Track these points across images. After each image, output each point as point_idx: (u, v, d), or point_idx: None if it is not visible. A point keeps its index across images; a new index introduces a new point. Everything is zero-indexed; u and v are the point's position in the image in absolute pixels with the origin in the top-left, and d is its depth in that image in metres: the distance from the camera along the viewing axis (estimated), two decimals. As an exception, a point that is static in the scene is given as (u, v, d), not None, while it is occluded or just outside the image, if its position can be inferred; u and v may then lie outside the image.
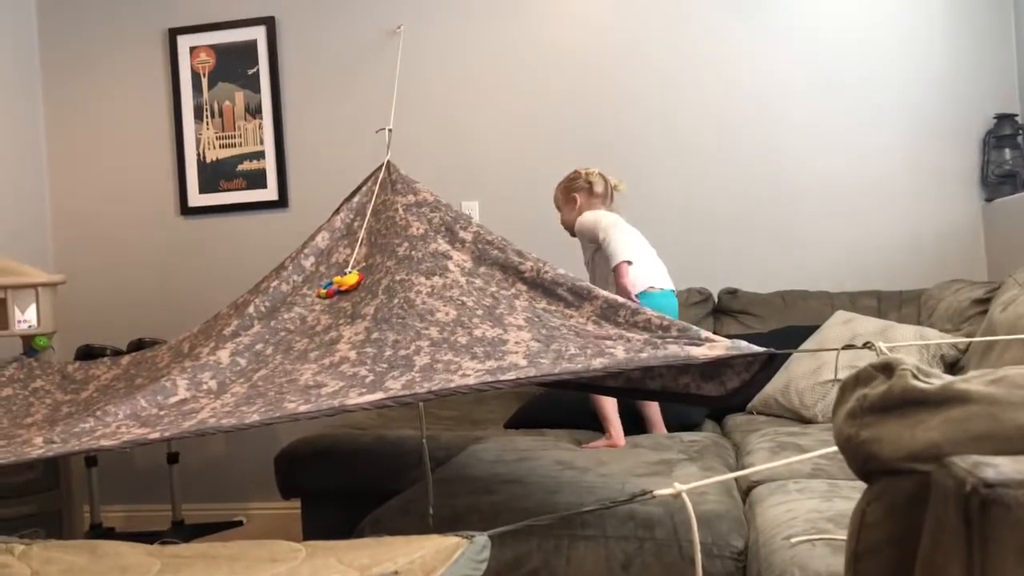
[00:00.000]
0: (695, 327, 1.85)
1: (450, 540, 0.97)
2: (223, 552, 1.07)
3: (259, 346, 2.19)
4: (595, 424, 2.77)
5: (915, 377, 0.71)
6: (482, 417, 3.11)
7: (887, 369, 0.74)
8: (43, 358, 2.77)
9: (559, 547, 1.80)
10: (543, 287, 2.16)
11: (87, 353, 3.17)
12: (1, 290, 2.93)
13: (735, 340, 1.78)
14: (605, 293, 2.05)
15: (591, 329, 1.99)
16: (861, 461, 0.72)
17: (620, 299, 2.02)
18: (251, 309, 2.29)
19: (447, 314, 2.06)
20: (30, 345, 2.96)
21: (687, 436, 2.50)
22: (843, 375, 2.49)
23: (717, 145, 3.53)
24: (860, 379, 0.76)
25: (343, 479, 2.71)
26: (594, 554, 1.78)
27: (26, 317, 2.95)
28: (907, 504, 0.68)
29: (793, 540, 1.58)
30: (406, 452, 2.73)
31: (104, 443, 1.72)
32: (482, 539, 0.96)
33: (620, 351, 1.80)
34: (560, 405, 2.86)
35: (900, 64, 3.43)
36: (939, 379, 0.70)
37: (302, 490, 2.80)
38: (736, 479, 2.16)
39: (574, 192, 2.95)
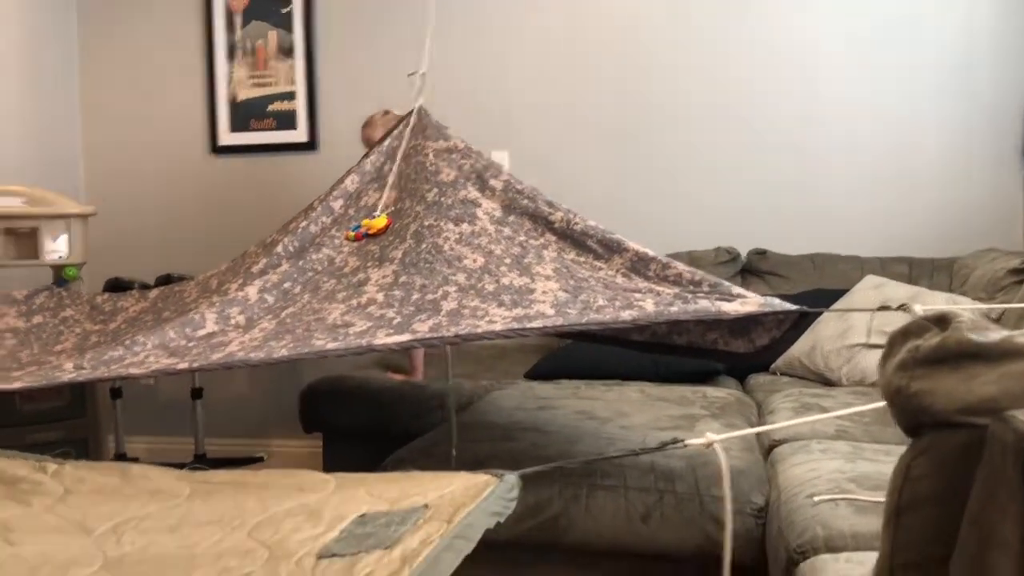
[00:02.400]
0: (726, 283, 1.83)
1: (480, 477, 0.97)
2: (252, 480, 1.08)
3: (287, 284, 2.19)
4: (618, 376, 2.77)
5: (971, 330, 0.69)
6: (504, 367, 3.11)
7: (941, 321, 0.72)
8: (72, 288, 2.79)
9: (579, 495, 1.80)
10: (572, 238, 2.14)
11: (115, 286, 3.20)
12: (33, 220, 2.94)
13: (767, 297, 1.76)
14: (636, 246, 2.03)
15: (620, 282, 1.97)
16: (910, 414, 0.71)
17: (651, 252, 2.00)
18: (279, 248, 2.29)
19: (475, 261, 2.05)
20: (60, 275, 2.98)
21: (710, 392, 2.50)
22: (873, 340, 2.47)
23: (752, 105, 3.46)
24: (911, 331, 0.74)
25: (366, 418, 2.73)
26: (614, 504, 1.79)
27: (57, 247, 2.97)
28: (957, 458, 0.67)
29: (816, 499, 1.57)
30: (428, 396, 2.74)
31: (133, 371, 1.73)
32: (512, 478, 0.96)
33: (649, 304, 1.78)
34: (581, 357, 2.85)
35: (940, 29, 3.33)
36: (996, 333, 0.68)
37: (325, 426, 2.82)
38: (758, 437, 2.16)
39: None
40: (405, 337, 1.74)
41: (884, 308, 1.60)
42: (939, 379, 0.69)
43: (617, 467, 1.85)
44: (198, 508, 1.00)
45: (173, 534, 0.95)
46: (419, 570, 0.73)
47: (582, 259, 2.08)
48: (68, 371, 1.80)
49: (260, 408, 3.84)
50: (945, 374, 0.69)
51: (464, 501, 0.89)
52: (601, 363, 2.82)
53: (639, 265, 1.98)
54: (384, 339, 1.74)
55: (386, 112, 3.22)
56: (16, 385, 1.74)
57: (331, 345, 1.74)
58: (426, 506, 0.91)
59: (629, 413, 2.24)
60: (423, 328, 1.79)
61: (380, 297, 1.98)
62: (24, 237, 2.98)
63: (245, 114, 3.77)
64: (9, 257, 2.97)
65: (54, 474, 1.17)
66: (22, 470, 1.19)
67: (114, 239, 3.88)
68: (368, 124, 3.23)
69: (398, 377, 3.01)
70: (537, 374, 2.89)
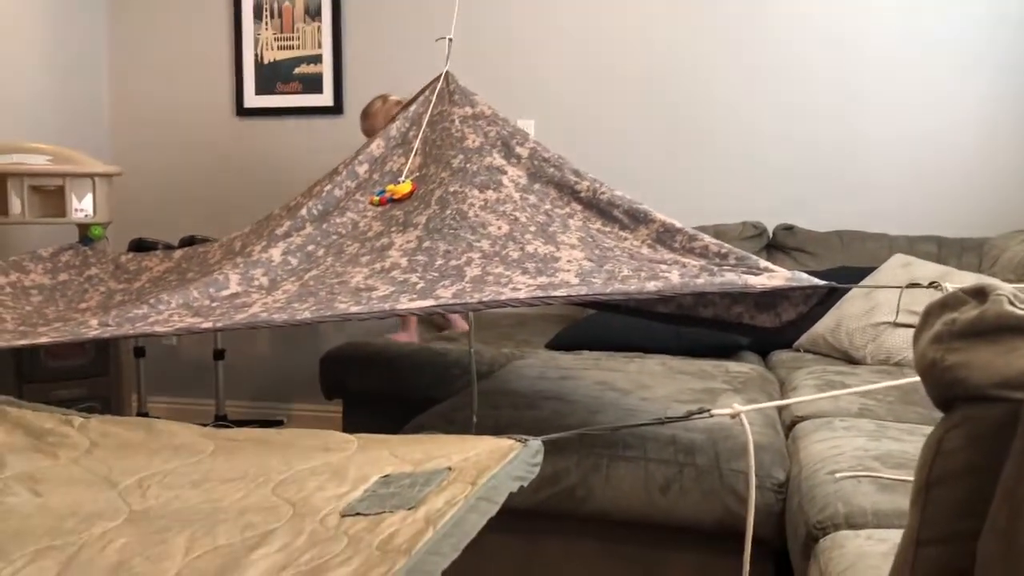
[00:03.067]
0: (754, 256, 1.81)
1: (504, 442, 0.97)
2: (276, 439, 1.08)
3: (311, 247, 2.19)
4: (640, 349, 2.76)
5: (1011, 303, 0.68)
6: (524, 337, 3.11)
7: (980, 294, 0.70)
8: (97, 248, 2.80)
9: (598, 465, 1.80)
10: (598, 208, 2.12)
11: (139, 246, 3.22)
12: (60, 177, 2.96)
13: (794, 271, 1.74)
14: (662, 217, 2.01)
15: (646, 252, 1.96)
16: (945, 386, 0.70)
17: (677, 224, 1.98)
18: (303, 211, 2.28)
19: (499, 228, 2.04)
20: (85, 234, 3.00)
21: (733, 367, 2.48)
22: (901, 319, 2.44)
23: (784, 79, 3.41)
24: (948, 304, 0.72)
25: (386, 384, 2.74)
26: (633, 475, 1.78)
27: (83, 206, 2.99)
28: (992, 432, 0.66)
29: (838, 475, 1.56)
30: (449, 363, 2.74)
31: (158, 329, 1.74)
32: (536, 443, 0.96)
33: (675, 276, 1.77)
34: (603, 328, 2.84)
35: (976, 4, 3.26)
36: (1039, 307, 0.66)
37: (345, 392, 2.84)
38: (780, 413, 2.15)
39: None
40: (428, 302, 1.74)
41: (914, 285, 1.58)
42: (976, 352, 0.67)
43: (638, 438, 1.84)
44: (222, 464, 1.01)
45: (197, 489, 0.96)
46: (444, 530, 0.73)
47: (608, 229, 2.07)
48: (93, 327, 1.81)
49: (281, 372, 3.87)
50: (983, 347, 0.67)
51: (488, 465, 0.89)
52: (623, 335, 2.81)
53: (665, 236, 1.96)
54: (407, 304, 1.74)
55: (385, 99, 3.19)
56: (43, 340, 1.75)
57: (354, 308, 1.74)
58: (450, 468, 0.90)
59: (650, 385, 2.23)
60: (446, 294, 1.78)
61: (404, 262, 1.98)
62: (50, 195, 3.00)
63: (271, 76, 3.76)
64: (35, 215, 2.99)
65: (80, 428, 1.18)
66: (49, 423, 1.21)
67: (139, 200, 3.90)
68: (368, 115, 3.19)
69: (402, 338, 3.04)
70: (558, 344, 2.89)
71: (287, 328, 3.79)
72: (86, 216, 2.99)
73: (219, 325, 1.72)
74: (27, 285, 2.54)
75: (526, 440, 0.96)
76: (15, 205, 2.95)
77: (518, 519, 1.82)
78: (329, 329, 3.74)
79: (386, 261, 2.01)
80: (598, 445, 1.82)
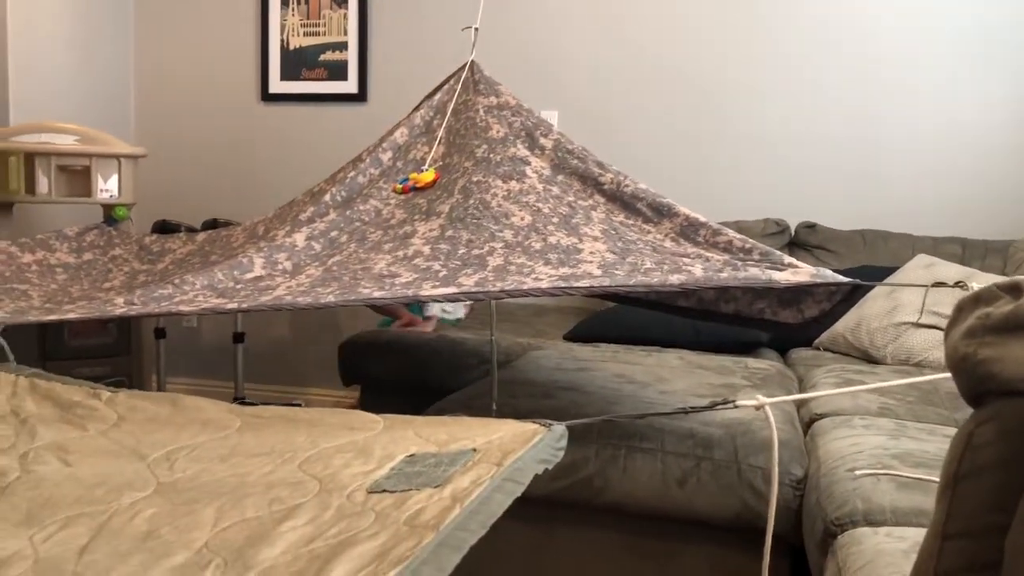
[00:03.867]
0: (777, 251, 1.81)
1: (528, 426, 0.97)
2: (302, 416, 1.09)
3: (334, 233, 2.20)
4: (658, 343, 2.76)
5: (1047, 299, 0.67)
6: (542, 328, 3.11)
7: (1014, 289, 0.70)
8: (122, 228, 2.83)
9: (616, 457, 1.81)
10: (622, 200, 2.13)
11: (163, 228, 3.24)
12: (86, 158, 2.99)
13: (819, 268, 1.73)
14: (686, 211, 2.01)
15: (669, 246, 1.96)
16: (976, 381, 0.69)
17: (701, 218, 1.98)
18: (327, 197, 2.30)
19: (522, 219, 2.04)
20: (110, 214, 3.03)
21: (752, 363, 2.48)
22: (924, 319, 2.43)
23: (807, 76, 3.39)
24: (982, 298, 0.72)
25: (403, 371, 2.76)
26: (650, 467, 1.79)
27: (108, 186, 3.01)
28: (1023, 427, 0.66)
29: (857, 472, 1.56)
30: (466, 352, 2.75)
31: (183, 308, 1.76)
32: (560, 428, 0.96)
33: (698, 269, 1.77)
34: (622, 321, 2.84)
35: (1001, 4, 3.23)
36: (1075, 302, 0.66)
37: (363, 378, 2.85)
38: (798, 410, 2.14)
39: None
40: (450, 290, 1.75)
41: (940, 284, 1.57)
42: (1009, 347, 0.67)
43: (656, 431, 1.84)
44: (249, 440, 1.02)
45: (224, 463, 0.97)
46: (471, 507, 0.74)
47: (631, 222, 2.07)
48: (119, 305, 1.83)
49: (300, 357, 3.89)
50: (1016, 342, 0.67)
51: (513, 447, 0.90)
52: (641, 328, 2.81)
53: (689, 230, 1.96)
54: (430, 290, 1.75)
55: None
56: (70, 316, 1.77)
57: (377, 293, 1.75)
58: (474, 450, 0.91)
59: (668, 379, 2.23)
60: (468, 282, 1.79)
61: (426, 250, 1.99)
62: (77, 175, 3.03)
63: (296, 62, 3.78)
64: (61, 194, 3.02)
65: (108, 401, 1.20)
66: (77, 395, 1.22)
67: (163, 182, 3.93)
68: None
69: (424, 327, 3.06)
70: (576, 336, 2.89)
71: (307, 313, 3.81)
72: (111, 197, 3.02)
73: (244, 306, 1.73)
74: (52, 263, 2.56)
75: (550, 425, 0.97)
76: (42, 184, 2.98)
77: (535, 507, 1.82)
78: (347, 316, 3.76)
79: (409, 249, 2.02)
80: (616, 436, 1.83)
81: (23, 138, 2.99)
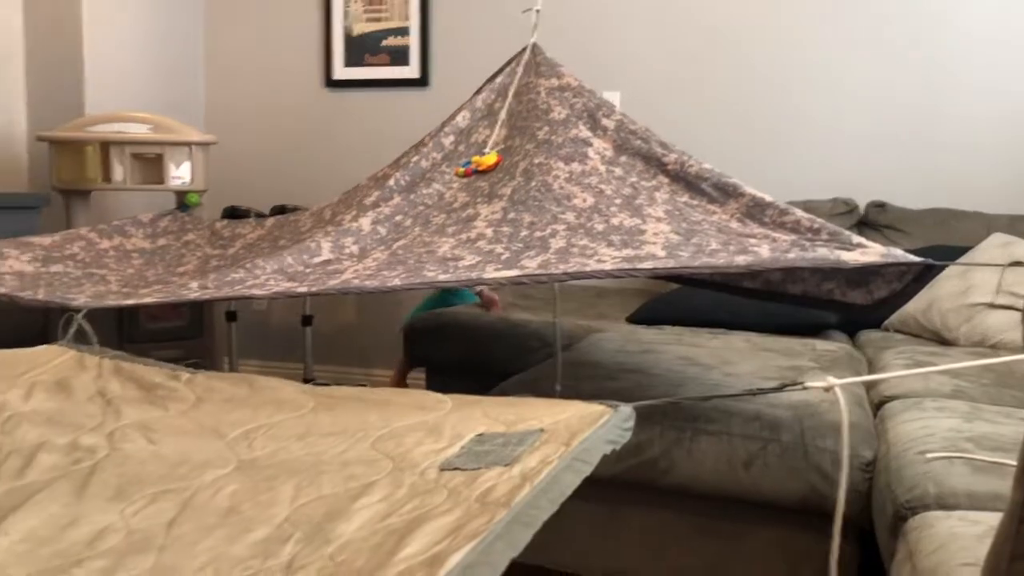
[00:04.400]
0: (846, 231, 1.77)
1: (595, 407, 0.98)
2: (372, 397, 1.12)
3: (398, 217, 2.23)
4: (723, 325, 2.74)
5: None
6: (603, 310, 3.11)
7: (1098, 268, 0.69)
8: (194, 214, 2.91)
9: (681, 439, 1.80)
10: (686, 181, 2.11)
11: (232, 213, 3.32)
12: (159, 146, 3.07)
13: (889, 248, 1.70)
14: (752, 191, 1.98)
15: (735, 227, 1.94)
16: (1057, 361, 0.68)
17: (768, 198, 1.95)
18: (391, 182, 2.32)
19: (584, 200, 2.04)
20: (182, 201, 3.12)
21: (820, 345, 2.44)
22: (999, 300, 2.36)
23: (877, 50, 3.31)
24: (1063, 277, 0.71)
25: (466, 354, 2.79)
26: (716, 449, 1.78)
27: (180, 173, 3.10)
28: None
29: (929, 455, 1.53)
30: (528, 335, 2.77)
31: (256, 292, 1.80)
32: (627, 409, 0.97)
33: (765, 250, 1.75)
34: (685, 303, 2.83)
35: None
36: None
37: (427, 360, 2.89)
38: (868, 393, 2.11)
39: None
40: (514, 272, 1.76)
41: (1018, 264, 1.53)
42: (1094, 327, 0.65)
43: (722, 413, 1.83)
44: (323, 419, 1.05)
45: (300, 442, 1.00)
46: (541, 485, 0.75)
47: (695, 202, 2.05)
48: (194, 289, 1.88)
49: (366, 338, 3.95)
50: (1101, 322, 0.65)
51: (580, 428, 0.91)
52: (705, 311, 2.79)
53: (755, 211, 1.94)
54: (493, 273, 1.77)
55: None
56: (147, 300, 1.84)
57: (442, 276, 1.78)
58: (542, 430, 0.92)
59: (734, 361, 2.22)
60: (531, 264, 1.80)
61: (489, 232, 2.00)
62: (150, 163, 3.12)
63: (359, 48, 3.82)
64: (135, 181, 3.12)
65: (187, 382, 1.24)
66: (158, 377, 1.27)
67: (232, 169, 4.02)
68: None
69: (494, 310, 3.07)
70: (639, 318, 2.88)
71: (373, 296, 3.87)
72: (183, 184, 3.11)
73: (314, 290, 1.77)
74: (128, 249, 2.65)
75: (616, 406, 0.97)
76: (117, 172, 3.08)
77: (600, 487, 1.83)
78: (413, 298, 3.81)
79: (472, 232, 2.04)
80: (681, 418, 1.82)
81: (99, 128, 3.09)
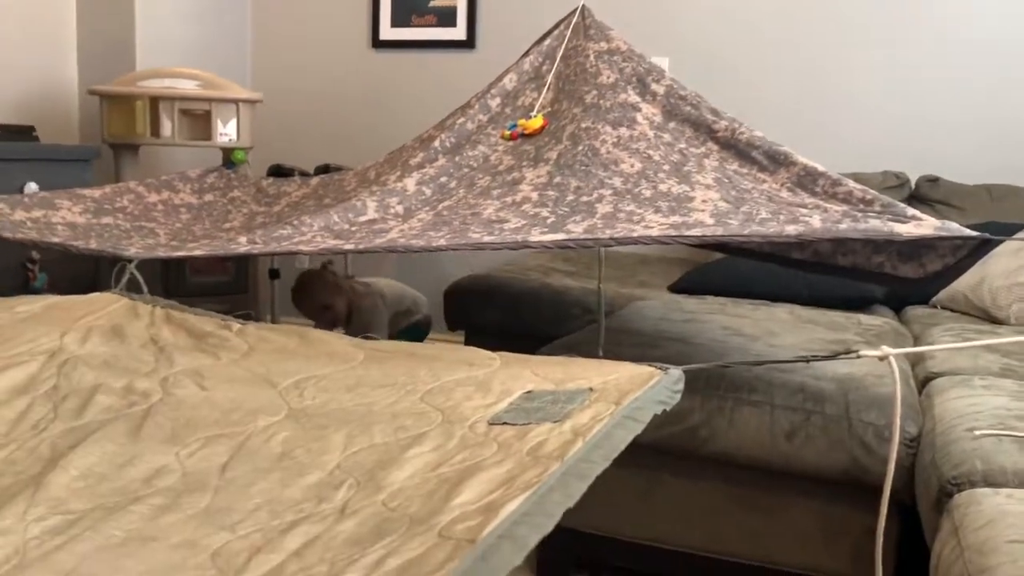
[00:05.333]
0: (900, 203, 1.74)
1: (644, 368, 0.98)
2: (422, 351, 1.13)
3: (443, 179, 2.23)
4: (767, 296, 2.71)
5: None
6: (646, 278, 3.09)
7: None
8: (240, 171, 2.93)
9: (723, 408, 1.79)
10: (736, 148, 2.08)
11: (277, 171, 3.34)
12: (207, 102, 3.09)
13: (944, 220, 1.66)
14: (804, 160, 1.95)
15: (785, 196, 1.91)
16: None
17: (820, 167, 1.92)
18: (436, 144, 2.32)
19: (632, 166, 2.02)
20: (228, 158, 3.14)
21: (865, 319, 2.41)
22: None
23: (929, 19, 3.21)
24: None
25: (507, 318, 2.79)
26: (758, 420, 1.77)
27: (227, 131, 3.12)
28: None
29: (977, 432, 1.51)
30: (569, 302, 2.77)
31: (303, 248, 1.82)
32: (677, 372, 0.97)
33: (816, 220, 1.72)
34: (729, 274, 2.80)
35: None
36: None
37: (468, 324, 2.90)
38: (913, 369, 2.08)
39: None
40: (559, 236, 1.75)
41: (1079, 240, 1.49)
42: None
43: (764, 383, 1.82)
44: (373, 372, 1.06)
45: (351, 393, 1.01)
46: (594, 441, 0.75)
47: (745, 171, 2.02)
48: (242, 244, 1.90)
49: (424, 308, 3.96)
50: None
51: (631, 388, 0.90)
52: (749, 282, 2.76)
53: (806, 180, 1.90)
54: (539, 236, 1.76)
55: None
56: (197, 252, 1.86)
57: (487, 238, 1.77)
58: (591, 389, 0.92)
59: (778, 333, 2.19)
60: (577, 229, 1.79)
61: (534, 196, 1.99)
62: (198, 119, 3.15)
63: (406, 9, 3.80)
64: (183, 137, 3.14)
65: (238, 332, 1.26)
66: (209, 326, 1.29)
67: (278, 127, 4.03)
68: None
69: None
70: (682, 287, 2.86)
71: (414, 258, 3.89)
72: (230, 140, 3.13)
73: (360, 247, 1.78)
74: (176, 203, 2.68)
75: (666, 368, 0.97)
76: (166, 127, 3.11)
77: (637, 453, 1.82)
78: (453, 262, 3.82)
79: (517, 195, 2.03)
80: (723, 387, 1.81)
81: (148, 83, 3.11)
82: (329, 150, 3.86)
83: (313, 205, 2.51)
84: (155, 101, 3.08)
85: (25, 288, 2.78)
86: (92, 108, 3.28)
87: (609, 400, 0.87)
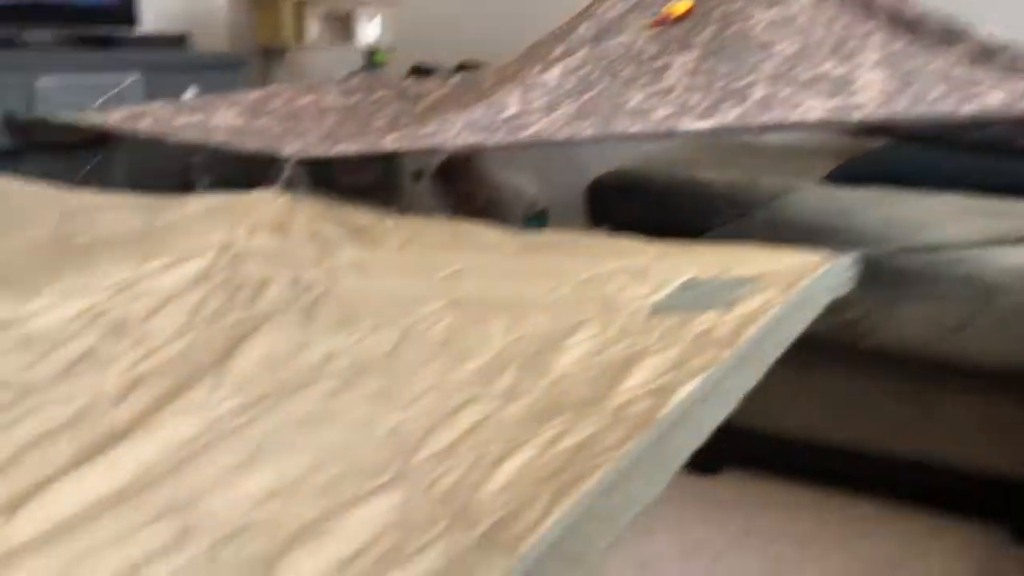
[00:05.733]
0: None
1: (811, 256, 0.94)
2: (576, 242, 1.12)
3: (585, 69, 2.17)
4: (934, 185, 2.53)
5: None
6: (797, 169, 2.95)
7: None
8: (381, 73, 2.96)
9: (884, 301, 1.71)
10: (904, 23, 1.92)
11: (417, 71, 3.35)
12: (348, 3, 3.11)
13: None
14: (981, 34, 1.78)
15: (960, 73, 1.75)
16: None
17: (1000, 40, 1.75)
18: (576, 34, 2.25)
19: (787, 48, 1.90)
20: (371, 59, 3.17)
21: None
22: None
23: None
24: None
25: (651, 213, 2.73)
26: (923, 312, 1.68)
27: (369, 32, 3.14)
28: None
29: None
30: (715, 194, 2.67)
31: (448, 144, 1.83)
32: (847, 258, 0.92)
33: (995, 99, 1.58)
34: (891, 161, 2.62)
35: None
36: None
37: (611, 220, 2.86)
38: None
39: None
40: (710, 123, 1.69)
41: None
42: None
43: (930, 274, 1.72)
44: (527, 262, 1.06)
45: (507, 282, 1.02)
46: (767, 327, 0.73)
47: (914, 48, 1.87)
48: (390, 141, 1.94)
49: (544, 199, 3.96)
50: None
51: (799, 275, 0.87)
52: (912, 170, 2.58)
53: (985, 56, 1.74)
54: (688, 124, 1.70)
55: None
56: (350, 150, 1.91)
57: (634, 128, 1.73)
58: (756, 277, 0.89)
59: (946, 223, 2.05)
60: (729, 116, 1.72)
61: (682, 83, 1.91)
62: (339, 21, 3.18)
63: None
64: (325, 41, 3.19)
65: (394, 226, 1.28)
66: (365, 221, 1.32)
67: (416, 27, 4.02)
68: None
69: None
70: (837, 177, 2.71)
71: (552, 156, 3.85)
72: (372, 42, 3.15)
73: (506, 142, 1.78)
74: (323, 106, 2.74)
75: (836, 254, 0.92)
76: (311, 31, 3.15)
77: (793, 347, 1.78)
78: (592, 159, 3.76)
79: (663, 83, 1.95)
80: (886, 279, 1.72)
81: (293, -14, 3.15)
82: (468, 47, 3.83)
83: (454, 105, 2.51)
84: (299, 5, 3.12)
85: (188, 190, 2.93)
86: (240, 15, 3.36)
87: (778, 287, 0.83)
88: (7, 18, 2.68)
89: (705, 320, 0.79)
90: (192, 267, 1.15)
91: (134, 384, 0.83)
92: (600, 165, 3.50)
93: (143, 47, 2.99)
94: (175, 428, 0.71)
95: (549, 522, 0.52)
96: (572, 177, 3.78)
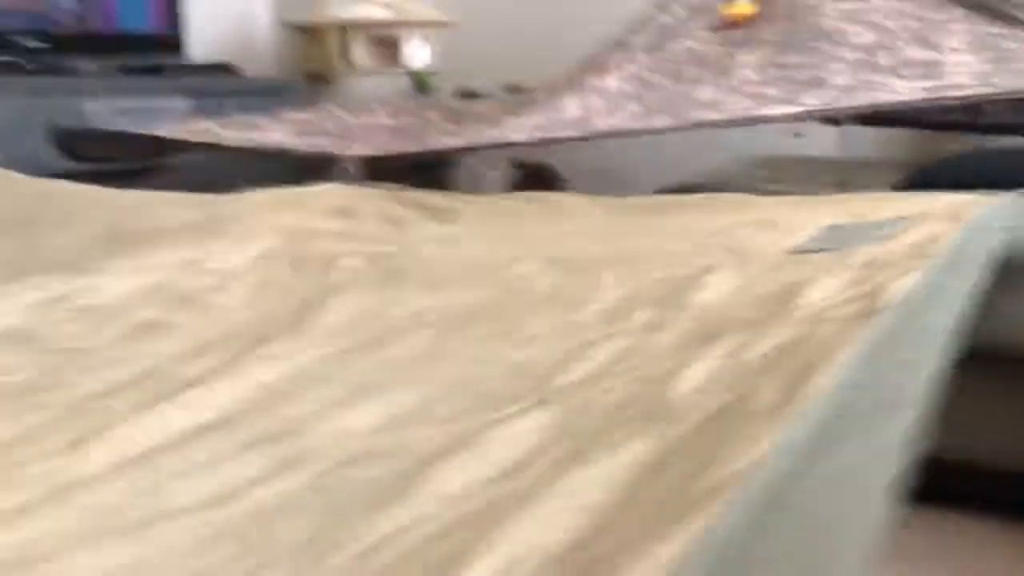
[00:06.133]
0: None
1: (964, 197, 0.82)
2: (670, 201, 1.01)
3: (645, 74, 2.08)
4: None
5: None
6: (863, 182, 2.82)
7: None
8: (430, 97, 2.90)
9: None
10: (987, 7, 1.83)
11: (465, 95, 3.29)
12: (396, 27, 3.07)
13: None
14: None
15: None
16: None
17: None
18: (633, 42, 2.18)
19: (863, 38, 1.82)
20: (419, 84, 3.11)
21: None
22: None
23: None
24: None
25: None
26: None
27: (418, 56, 3.09)
28: None
29: None
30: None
31: (513, 137, 1.76)
32: (1008, 197, 0.80)
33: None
34: (968, 168, 2.49)
35: None
36: None
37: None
38: None
39: None
40: (795, 108, 1.60)
41: None
42: None
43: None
44: (627, 222, 0.96)
45: (603, 243, 0.91)
46: (952, 248, 0.61)
47: (1003, 31, 1.78)
48: (452, 141, 1.87)
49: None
50: None
51: (960, 212, 0.75)
52: (985, 174, 2.44)
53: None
54: (771, 110, 1.61)
55: None
56: (408, 150, 1.84)
57: (714, 116, 1.64)
58: (909, 217, 0.77)
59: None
60: (813, 101, 1.63)
61: (755, 77, 1.82)
62: (385, 46, 3.13)
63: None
64: (371, 67, 3.14)
65: (468, 203, 1.19)
66: (441, 203, 1.23)
67: (463, 51, 3.97)
68: None
69: None
70: (908, 185, 2.58)
71: (627, 157, 3.69)
72: (420, 66, 3.10)
73: (576, 135, 1.70)
74: (375, 124, 2.69)
75: (994, 194, 0.81)
76: (356, 55, 3.11)
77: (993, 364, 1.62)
78: (676, 156, 3.59)
79: (733, 79, 1.87)
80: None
81: (339, 11, 3.13)
82: (515, 72, 3.77)
83: (511, 115, 2.44)
84: (343, 29, 3.09)
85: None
86: (285, 42, 3.34)
87: (942, 221, 0.72)
88: (59, 47, 2.68)
89: (864, 253, 0.67)
90: (257, 245, 1.06)
91: (204, 347, 0.73)
92: (663, 178, 3.39)
93: (191, 74, 2.98)
94: (257, 375, 0.61)
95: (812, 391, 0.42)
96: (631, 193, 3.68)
